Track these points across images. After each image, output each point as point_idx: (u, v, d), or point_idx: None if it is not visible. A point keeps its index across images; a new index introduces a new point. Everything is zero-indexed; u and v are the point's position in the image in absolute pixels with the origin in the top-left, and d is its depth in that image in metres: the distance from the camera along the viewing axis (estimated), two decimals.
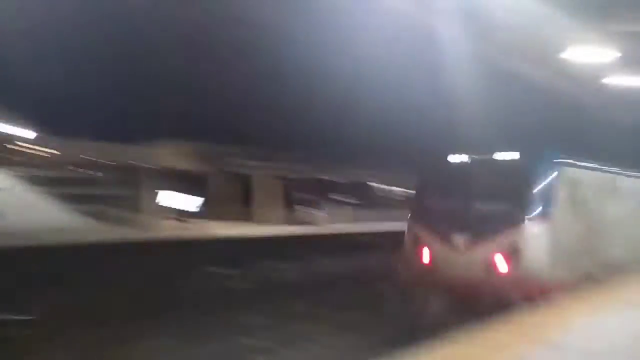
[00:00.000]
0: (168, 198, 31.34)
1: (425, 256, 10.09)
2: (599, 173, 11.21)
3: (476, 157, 10.41)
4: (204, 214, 32.70)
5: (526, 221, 9.24)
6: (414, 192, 13.05)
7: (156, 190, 26.02)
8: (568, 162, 10.19)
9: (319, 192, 32.79)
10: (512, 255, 9.03)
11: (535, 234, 9.18)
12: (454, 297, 9.44)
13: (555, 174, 9.68)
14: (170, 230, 23.72)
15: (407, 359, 5.65)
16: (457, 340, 6.21)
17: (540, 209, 9.33)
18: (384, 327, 10.35)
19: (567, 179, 9.94)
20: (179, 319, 11.35)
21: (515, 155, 9.93)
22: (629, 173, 12.45)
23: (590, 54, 6.92)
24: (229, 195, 31.91)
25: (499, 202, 9.57)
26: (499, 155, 10.07)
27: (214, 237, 22.67)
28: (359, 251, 24.23)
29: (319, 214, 28.85)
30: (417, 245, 10.35)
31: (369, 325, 10.81)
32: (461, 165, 10.46)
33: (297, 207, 28.95)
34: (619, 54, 7.20)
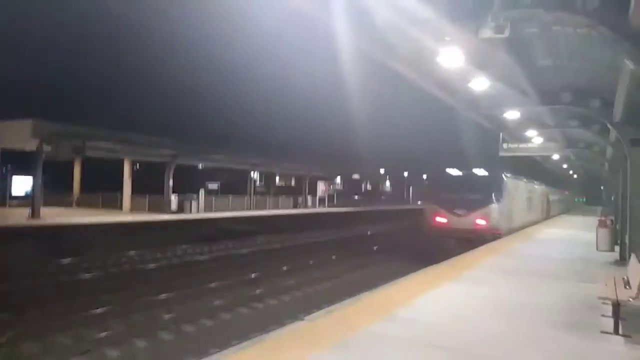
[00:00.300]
0: (19, 184, 28.23)
1: (442, 219, 20.06)
2: (516, 180, 22.01)
3: (466, 171, 20.62)
4: (64, 200, 29.99)
5: (491, 203, 19.43)
6: (428, 188, 24.80)
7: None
8: (507, 176, 20.31)
9: (193, 179, 31.78)
10: (485, 218, 19.20)
11: (495, 208, 19.50)
12: (455, 239, 19.55)
13: (503, 181, 19.97)
14: (16, 219, 21.27)
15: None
16: None
17: (497, 197, 19.59)
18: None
19: (507, 184, 20.46)
20: None
21: (484, 172, 20.13)
22: (524, 180, 24.67)
23: (457, 57, 7.40)
24: (94, 181, 29.74)
25: (479, 193, 19.56)
26: (477, 171, 20.40)
27: (67, 225, 20.81)
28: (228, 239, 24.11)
29: (192, 201, 27.89)
30: (436, 214, 20.33)
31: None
32: (458, 175, 20.76)
33: (170, 195, 27.64)
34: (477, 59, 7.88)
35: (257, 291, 13.73)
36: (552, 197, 38.88)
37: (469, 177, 20.22)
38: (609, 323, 7.10)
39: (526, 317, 7.32)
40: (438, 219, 20.19)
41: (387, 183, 74.15)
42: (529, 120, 13.87)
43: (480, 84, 9.45)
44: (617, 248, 14.78)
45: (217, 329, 10.62)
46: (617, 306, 6.67)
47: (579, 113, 13.09)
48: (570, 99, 10.57)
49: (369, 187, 74.73)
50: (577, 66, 8.93)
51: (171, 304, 12.33)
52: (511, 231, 21.13)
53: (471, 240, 18.13)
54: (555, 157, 24.64)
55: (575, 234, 23.91)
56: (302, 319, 6.71)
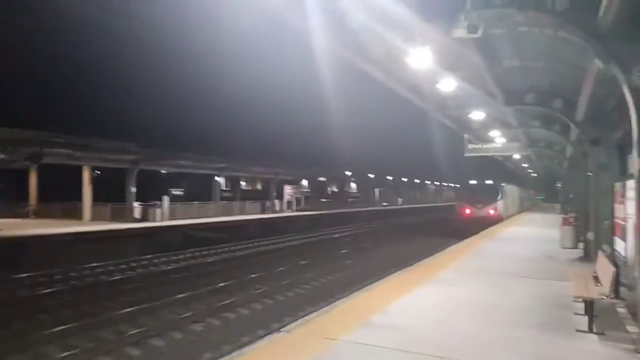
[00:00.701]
0: None
1: (467, 211, 35.29)
2: (508, 185, 38.04)
3: (481, 182, 36.81)
4: (19, 211, 28.64)
5: (497, 200, 35.10)
6: (460, 192, 44.22)
7: None
8: (505, 184, 36.94)
9: (158, 186, 30.96)
10: (494, 209, 34.44)
11: (499, 204, 35.19)
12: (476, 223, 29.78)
13: (502, 187, 36.16)
14: None
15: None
16: None
17: (499, 197, 35.42)
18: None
19: (505, 188, 36.73)
20: None
21: (491, 182, 36.33)
22: (512, 185, 41.58)
23: (426, 58, 7.34)
24: (55, 190, 28.51)
25: (489, 195, 35.17)
26: (487, 182, 36.39)
27: (23, 237, 19.85)
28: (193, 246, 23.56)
29: (157, 209, 27.10)
30: (463, 208, 36.10)
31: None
32: (477, 184, 36.95)
33: (133, 202, 26.79)
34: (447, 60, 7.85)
35: (228, 300, 13.37)
36: (523, 196, 53.43)
37: (483, 185, 36.14)
38: (583, 321, 7.17)
39: (502, 319, 7.32)
40: (466, 210, 35.67)
41: (353, 185, 74.54)
42: (494, 121, 14.09)
43: (448, 85, 9.48)
44: (580, 245, 15.15)
45: (187, 342, 10.27)
46: (590, 304, 6.74)
47: (541, 113, 13.37)
48: (534, 100, 10.75)
49: (335, 189, 74.91)
50: (541, 67, 9.07)
51: (137, 317, 11.86)
52: (507, 217, 35.69)
53: (484, 222, 29.77)
54: (517, 156, 25.22)
55: (537, 232, 24.49)
56: (279, 331, 6.49)
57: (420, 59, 7.61)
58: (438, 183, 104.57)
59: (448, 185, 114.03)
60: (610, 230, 10.16)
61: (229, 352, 6.72)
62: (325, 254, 22.73)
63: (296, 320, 11.11)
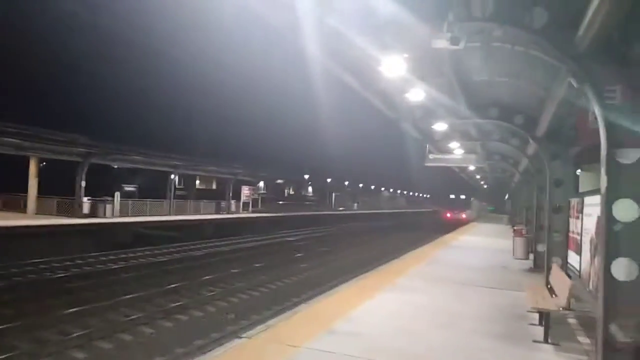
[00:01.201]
0: None
1: (449, 215, 76.41)
2: (474, 200, 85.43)
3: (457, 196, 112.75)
4: None
5: (465, 210, 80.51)
6: (442, 205, 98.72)
7: None
8: (472, 199, 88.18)
9: (110, 181, 29.78)
10: (464, 214, 74.18)
11: (467, 212, 76.88)
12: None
13: (471, 199, 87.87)
14: None
15: None
16: None
17: (469, 207, 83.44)
18: None
19: (472, 201, 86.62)
20: None
21: (464, 196, 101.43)
22: (474, 200, 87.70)
23: (399, 67, 7.33)
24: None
25: (462, 206, 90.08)
26: (462, 196, 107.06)
27: None
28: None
29: (107, 204, 26.04)
30: (446, 213, 79.03)
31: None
32: (454, 198, 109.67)
33: (82, 197, 25.63)
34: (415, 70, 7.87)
35: (179, 302, 12.97)
36: (480, 207, 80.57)
37: (458, 200, 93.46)
38: (538, 331, 7.36)
39: (462, 328, 7.40)
40: (448, 215, 73.29)
41: (309, 189, 74.60)
42: (455, 132, 14.37)
43: (417, 95, 9.56)
44: (531, 256, 15.68)
45: (137, 345, 9.83)
46: (547, 316, 6.90)
47: (501, 127, 13.74)
48: (497, 114, 11.02)
49: (291, 192, 74.71)
50: (507, 83, 9.28)
51: (84, 317, 11.30)
52: (471, 220, 54.77)
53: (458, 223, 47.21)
54: (471, 168, 25.89)
55: (488, 241, 25.22)
56: (239, 337, 6.28)
57: (393, 67, 7.61)
58: (392, 190, 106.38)
59: (401, 193, 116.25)
60: (562, 243, 10.52)
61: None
62: (280, 257, 22.48)
63: (255, 325, 10.97)
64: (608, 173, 5.11)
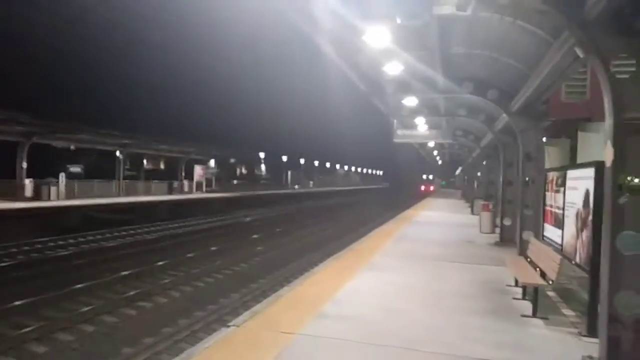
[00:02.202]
0: None
1: (422, 188, 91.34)
2: (436, 178, 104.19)
3: (429, 176, 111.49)
4: None
5: (433, 184, 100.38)
6: (420, 182, 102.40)
7: None
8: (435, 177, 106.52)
9: (52, 161, 27.93)
10: (432, 187, 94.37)
11: (433, 186, 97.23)
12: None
13: (435, 178, 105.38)
14: None
15: None
16: None
17: (434, 183, 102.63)
18: None
19: (434, 178, 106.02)
20: None
21: (432, 176, 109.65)
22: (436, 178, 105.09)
23: (383, 38, 6.93)
24: None
25: (432, 182, 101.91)
26: (431, 176, 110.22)
27: None
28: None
29: (52, 187, 24.39)
30: (421, 187, 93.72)
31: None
32: (427, 178, 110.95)
33: (24, 179, 23.90)
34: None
35: (140, 289, 12.31)
36: (438, 182, 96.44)
37: (429, 178, 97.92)
38: (523, 306, 7.36)
39: (449, 306, 7.27)
40: (422, 188, 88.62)
41: (262, 167, 73.70)
42: (423, 108, 14.24)
43: (394, 68, 9.24)
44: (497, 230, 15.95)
45: (101, 336, 9.18)
46: (536, 291, 6.87)
47: (469, 102, 13.72)
48: (471, 89, 10.89)
49: (244, 170, 73.56)
50: (485, 56, 9.12)
51: (38, 308, 10.49)
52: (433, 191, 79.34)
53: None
54: (431, 144, 26.12)
55: (448, 217, 25.66)
56: (227, 325, 5.83)
57: (377, 37, 7.22)
58: (347, 167, 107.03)
59: (356, 170, 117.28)
60: (534, 217, 10.64)
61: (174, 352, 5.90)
62: (236, 239, 21.83)
63: (238, 310, 10.56)
64: (615, 146, 4.96)
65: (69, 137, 27.25)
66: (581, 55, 4.91)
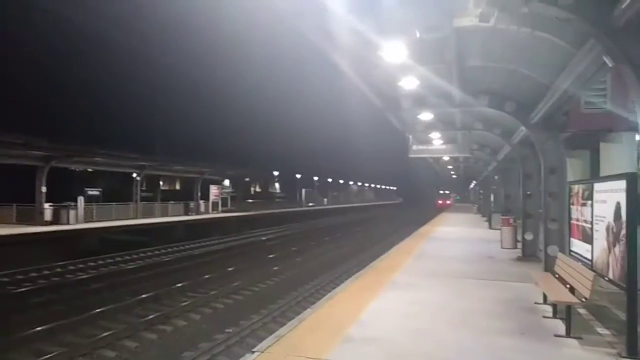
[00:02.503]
0: None
1: (440, 202, 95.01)
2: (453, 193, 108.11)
3: (445, 190, 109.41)
4: None
5: (450, 199, 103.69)
6: (436, 195, 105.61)
7: None
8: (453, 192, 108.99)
9: (70, 185, 28.24)
10: (450, 202, 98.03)
11: (450, 200, 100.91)
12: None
13: (452, 193, 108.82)
14: None
15: None
16: None
17: (452, 198, 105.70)
18: None
19: (451, 194, 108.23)
20: None
21: (448, 191, 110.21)
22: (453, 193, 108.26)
23: (400, 52, 6.88)
24: None
25: (449, 197, 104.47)
26: (447, 191, 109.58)
27: None
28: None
29: (70, 210, 24.60)
30: (438, 201, 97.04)
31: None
32: (443, 193, 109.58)
33: (43, 203, 24.14)
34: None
35: (160, 312, 12.23)
36: (454, 197, 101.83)
37: (446, 193, 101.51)
38: (554, 325, 7.11)
39: (478, 326, 7.04)
40: (439, 202, 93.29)
41: (277, 185, 73.85)
42: (439, 122, 14.10)
43: (410, 82, 9.16)
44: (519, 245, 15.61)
45: None
46: (569, 309, 6.62)
47: (485, 115, 13.56)
48: (488, 102, 10.75)
49: (258, 189, 73.75)
50: (501, 68, 9.00)
51: (58, 334, 10.44)
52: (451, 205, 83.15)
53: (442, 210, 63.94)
54: (446, 158, 25.85)
55: (465, 232, 25.28)
56: (252, 352, 5.68)
57: (393, 52, 7.16)
58: (360, 184, 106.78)
59: (369, 186, 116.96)
60: (559, 231, 10.38)
61: None
62: (253, 259, 21.68)
63: (257, 332, 10.41)
64: None
65: (87, 161, 27.55)
66: (610, 64, 4.78)
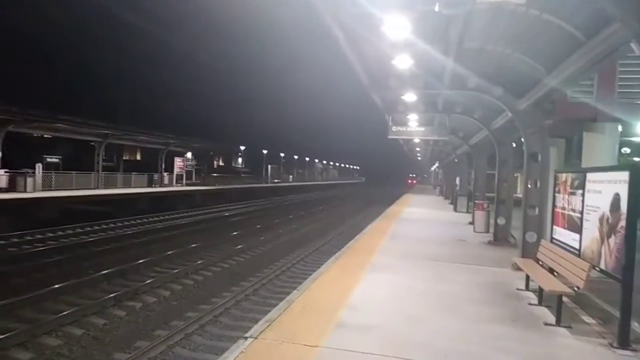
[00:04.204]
0: None
1: (409, 182, 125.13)
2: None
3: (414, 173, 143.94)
4: None
5: (417, 179, 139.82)
6: (407, 176, 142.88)
7: None
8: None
9: (28, 151, 26.72)
10: (416, 181, 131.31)
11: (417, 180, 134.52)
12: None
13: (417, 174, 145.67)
14: None
15: None
16: None
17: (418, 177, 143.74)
18: None
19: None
20: None
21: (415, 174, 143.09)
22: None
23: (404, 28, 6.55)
24: None
25: (416, 177, 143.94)
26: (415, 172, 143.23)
27: None
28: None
29: (28, 177, 23.27)
30: (408, 181, 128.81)
31: None
32: (413, 174, 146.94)
33: (0, 169, 22.78)
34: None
35: (127, 287, 11.73)
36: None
37: (413, 175, 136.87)
38: (542, 313, 7.15)
39: (466, 313, 6.97)
40: (409, 181, 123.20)
41: (240, 160, 72.82)
42: (422, 104, 13.92)
43: (404, 61, 8.87)
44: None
45: (90, 340, 8.61)
46: (560, 298, 6.62)
47: (465, 98, 13.46)
48: (475, 85, 10.62)
49: (221, 163, 72.52)
50: (498, 52, 8.83)
51: (18, 309, 9.83)
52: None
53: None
54: (416, 140, 25.89)
55: (433, 214, 25.55)
56: (244, 338, 5.38)
57: (396, 28, 6.83)
58: (325, 162, 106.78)
59: (334, 164, 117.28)
60: (538, 218, 10.46)
61: None
62: (216, 236, 21.10)
63: (230, 311, 10.07)
64: None
65: (47, 127, 26.10)
66: (638, 52, 4.61)
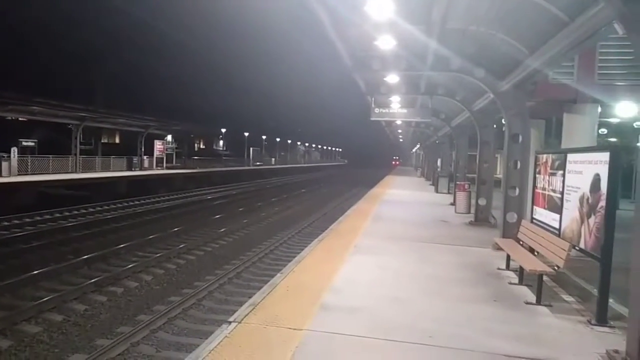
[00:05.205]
0: None
1: (394, 162, 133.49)
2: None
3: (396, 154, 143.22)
4: None
5: (399, 160, 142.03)
6: (393, 158, 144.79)
7: None
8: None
9: (3, 135, 25.98)
10: (399, 162, 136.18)
11: (399, 162, 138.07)
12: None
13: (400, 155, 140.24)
14: None
15: None
16: None
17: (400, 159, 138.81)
18: None
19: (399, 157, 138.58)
20: None
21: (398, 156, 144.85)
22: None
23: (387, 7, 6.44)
24: None
25: (400, 159, 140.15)
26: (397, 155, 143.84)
27: None
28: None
29: (3, 162, 22.69)
30: (393, 162, 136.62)
31: None
32: (397, 157, 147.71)
33: None
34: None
35: (108, 273, 11.60)
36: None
37: (396, 157, 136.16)
38: (521, 292, 7.26)
39: (451, 294, 7.03)
40: (394, 162, 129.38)
41: (221, 142, 72.15)
42: (404, 85, 13.87)
43: (387, 42, 8.77)
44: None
45: (71, 326, 8.51)
46: (540, 277, 6.72)
47: (449, 80, 13.47)
48: (458, 66, 10.59)
49: (202, 146, 71.83)
50: (481, 32, 8.79)
51: None
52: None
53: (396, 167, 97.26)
54: (399, 122, 25.89)
55: (416, 195, 25.72)
56: (228, 322, 5.33)
57: (380, 7, 6.73)
58: (307, 145, 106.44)
59: (316, 147, 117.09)
60: (519, 198, 10.57)
61: None
62: (198, 219, 20.96)
63: (214, 294, 10.04)
64: None
65: (22, 109, 25.38)
66: (621, 32, 4.60)
